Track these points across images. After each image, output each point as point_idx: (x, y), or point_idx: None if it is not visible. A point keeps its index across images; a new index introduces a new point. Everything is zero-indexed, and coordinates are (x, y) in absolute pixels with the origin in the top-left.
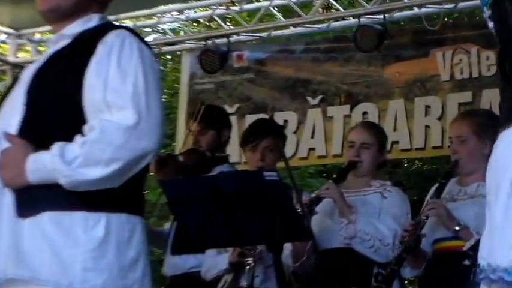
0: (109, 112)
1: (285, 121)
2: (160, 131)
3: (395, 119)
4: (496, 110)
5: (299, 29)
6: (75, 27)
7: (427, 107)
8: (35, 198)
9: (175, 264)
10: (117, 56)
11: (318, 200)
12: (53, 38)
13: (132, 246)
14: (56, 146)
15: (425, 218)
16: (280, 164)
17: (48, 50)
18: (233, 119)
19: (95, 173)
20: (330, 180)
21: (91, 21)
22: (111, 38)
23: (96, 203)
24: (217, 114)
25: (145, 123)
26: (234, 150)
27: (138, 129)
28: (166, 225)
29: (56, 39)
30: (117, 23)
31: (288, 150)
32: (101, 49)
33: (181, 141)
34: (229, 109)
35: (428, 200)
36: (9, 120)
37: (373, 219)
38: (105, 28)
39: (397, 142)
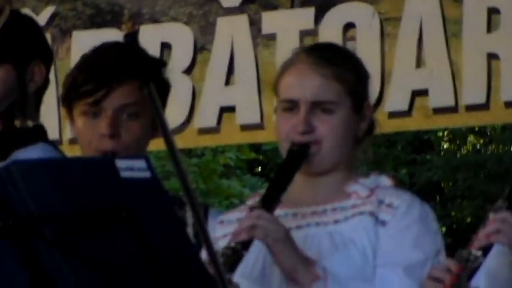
0: None
1: (165, 46)
2: None
3: (420, 38)
4: None
5: None
6: None
7: (492, 11)
8: None
9: None
10: None
11: (236, 255)
12: None
13: None
14: None
15: (480, 252)
16: (156, 145)
17: None
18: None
19: None
20: (252, 206)
21: None
22: None
23: None
24: (16, 28)
25: None
26: (49, 111)
27: None
28: None
29: None
30: None
31: (174, 115)
32: None
33: None
34: (37, 18)
35: (490, 214)
36: None
37: (360, 285)
38: None
39: (423, 93)
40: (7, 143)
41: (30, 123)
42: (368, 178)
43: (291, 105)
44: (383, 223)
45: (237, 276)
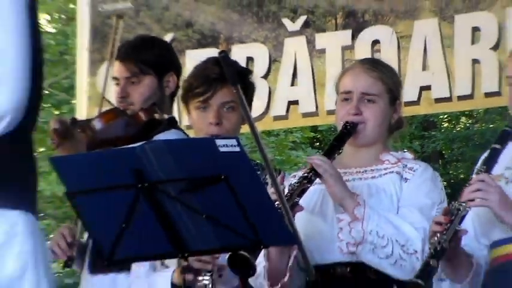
0: None
1: (249, 59)
2: (24, 82)
3: (425, 50)
4: None
5: None
6: None
7: (475, 29)
8: None
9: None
10: None
11: (302, 186)
12: None
13: (10, 258)
14: None
15: (466, 206)
16: (244, 129)
17: None
18: None
19: None
20: (317, 154)
21: None
22: None
23: None
24: (156, 50)
25: None
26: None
27: None
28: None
29: None
30: None
31: (256, 106)
32: None
33: (85, 97)
34: None
35: (473, 176)
36: None
37: (390, 215)
38: None
39: (428, 88)
40: (150, 129)
41: (165, 116)
42: (396, 152)
43: (347, 96)
44: (406, 180)
45: (302, 202)
